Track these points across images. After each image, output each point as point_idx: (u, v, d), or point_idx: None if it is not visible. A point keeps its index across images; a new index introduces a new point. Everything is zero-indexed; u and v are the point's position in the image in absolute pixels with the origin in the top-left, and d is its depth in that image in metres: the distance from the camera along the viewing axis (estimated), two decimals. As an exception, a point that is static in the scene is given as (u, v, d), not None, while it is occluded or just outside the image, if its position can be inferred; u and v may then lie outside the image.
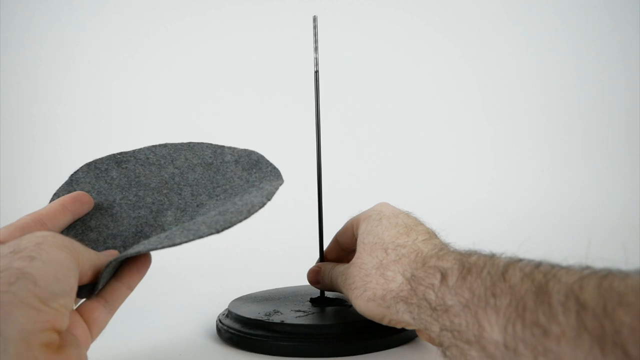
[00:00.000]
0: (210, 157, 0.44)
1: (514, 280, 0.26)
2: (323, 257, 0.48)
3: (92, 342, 0.33)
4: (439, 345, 0.31)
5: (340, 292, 0.42)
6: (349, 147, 1.05)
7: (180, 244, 0.31)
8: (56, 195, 0.41)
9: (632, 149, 1.08)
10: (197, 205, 0.41)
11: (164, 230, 0.39)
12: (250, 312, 0.44)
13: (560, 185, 1.05)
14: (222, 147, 0.44)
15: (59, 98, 1.05)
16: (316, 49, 0.47)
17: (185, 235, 0.32)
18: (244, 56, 1.08)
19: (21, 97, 1.04)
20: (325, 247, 0.48)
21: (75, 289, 0.30)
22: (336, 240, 0.47)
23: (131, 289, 0.36)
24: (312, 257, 0.49)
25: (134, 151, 0.43)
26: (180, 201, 0.41)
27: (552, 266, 0.26)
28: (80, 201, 0.40)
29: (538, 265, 0.27)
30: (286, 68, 1.02)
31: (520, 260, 0.28)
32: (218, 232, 0.32)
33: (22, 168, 1.01)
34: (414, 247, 0.37)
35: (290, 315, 0.43)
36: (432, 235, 0.39)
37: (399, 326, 0.38)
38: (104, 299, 0.34)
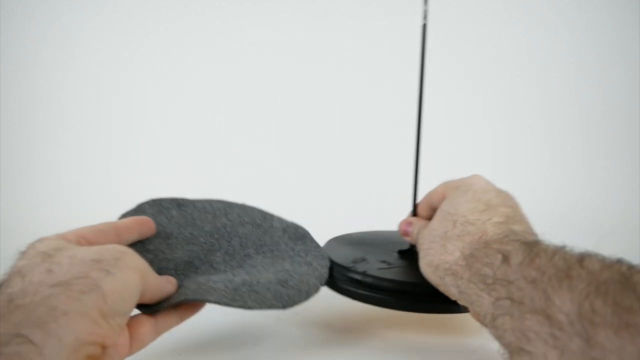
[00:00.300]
0: (260, 219, 0.49)
1: (592, 267, 0.27)
2: (416, 212, 0.49)
3: (128, 356, 0.34)
4: (484, 318, 0.32)
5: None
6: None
7: (251, 309, 0.36)
8: (123, 216, 0.45)
9: (632, 149, 1.08)
10: (245, 255, 0.46)
11: (212, 267, 0.44)
12: (340, 256, 0.47)
13: (560, 185, 1.05)
14: (272, 215, 0.50)
15: (59, 98, 1.05)
16: (426, 0, 0.45)
17: (257, 301, 0.37)
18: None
19: (21, 97, 1.04)
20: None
21: (132, 310, 0.32)
22: (427, 199, 0.48)
23: (182, 321, 0.38)
24: (408, 209, 0.50)
25: (193, 200, 0.49)
26: (229, 247, 0.46)
27: (633, 264, 0.27)
28: (147, 225, 0.43)
29: (618, 260, 0.28)
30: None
31: (596, 253, 0.29)
32: (284, 308, 0.38)
33: (22, 168, 1.01)
34: (482, 228, 0.37)
35: (374, 266, 0.45)
36: (510, 219, 0.38)
37: (450, 297, 0.39)
38: (155, 319, 0.36)
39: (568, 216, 0.95)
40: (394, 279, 0.43)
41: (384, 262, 0.46)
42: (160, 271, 0.40)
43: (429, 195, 0.47)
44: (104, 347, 0.29)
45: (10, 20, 1.02)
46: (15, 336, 0.25)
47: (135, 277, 0.32)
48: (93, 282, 0.29)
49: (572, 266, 0.28)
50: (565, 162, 1.09)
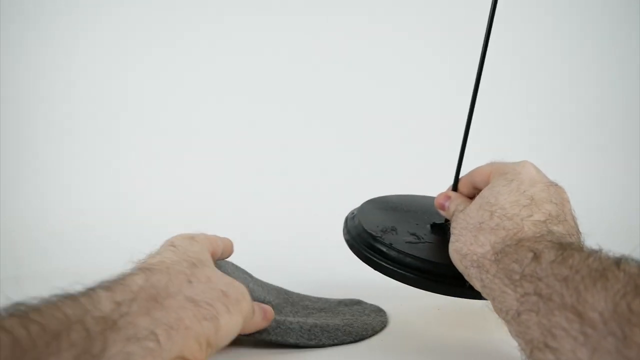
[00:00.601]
0: (314, 298, 0.54)
1: (630, 270, 0.27)
2: (457, 186, 0.47)
3: None
4: (507, 313, 0.31)
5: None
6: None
7: (325, 346, 0.42)
8: None
9: (632, 149, 1.07)
10: (303, 307, 0.51)
11: (281, 312, 0.48)
12: (371, 222, 0.46)
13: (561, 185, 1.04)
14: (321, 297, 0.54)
15: (58, 99, 1.04)
16: None
17: (330, 338, 0.43)
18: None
19: (21, 98, 1.03)
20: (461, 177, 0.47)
21: None
22: (471, 176, 0.46)
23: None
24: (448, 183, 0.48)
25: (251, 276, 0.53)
26: (294, 308, 0.50)
27: None
28: (229, 250, 0.47)
29: None
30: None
31: (632, 258, 0.28)
32: (355, 341, 0.43)
33: (22, 168, 1.00)
34: (519, 224, 0.36)
35: (402, 239, 0.44)
36: (552, 218, 0.36)
37: (474, 286, 0.38)
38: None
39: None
40: (418, 256, 0.42)
41: (413, 234, 0.45)
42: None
43: (473, 173, 0.45)
44: None
45: (11, 21, 1.02)
46: (151, 333, 0.28)
47: (241, 322, 0.35)
48: (215, 313, 0.33)
49: (608, 267, 0.27)
50: (565, 162, 1.07)
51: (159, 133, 1.03)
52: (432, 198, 0.50)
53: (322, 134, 1.02)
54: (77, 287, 0.29)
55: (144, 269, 0.34)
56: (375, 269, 0.43)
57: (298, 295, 0.53)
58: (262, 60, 1.05)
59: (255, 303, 0.40)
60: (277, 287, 0.53)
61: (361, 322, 0.47)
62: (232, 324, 0.34)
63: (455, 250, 0.39)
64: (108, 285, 0.30)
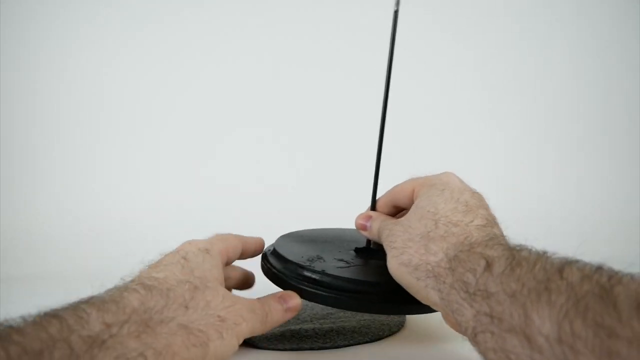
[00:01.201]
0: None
1: (572, 279, 0.26)
2: (375, 206, 0.46)
3: None
4: (465, 330, 0.30)
5: (382, 244, 0.41)
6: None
7: (340, 347, 0.44)
8: None
9: (632, 149, 1.08)
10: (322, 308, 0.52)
11: (299, 319, 0.49)
12: (294, 253, 0.45)
13: (559, 185, 1.05)
14: None
15: (59, 99, 1.04)
16: None
17: (345, 340, 0.45)
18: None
19: (20, 98, 1.02)
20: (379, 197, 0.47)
21: None
22: (391, 195, 0.45)
23: None
24: (364, 205, 0.48)
25: None
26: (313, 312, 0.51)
27: (615, 271, 0.25)
28: (252, 250, 0.47)
29: (599, 268, 0.26)
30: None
31: (577, 261, 0.27)
32: (371, 341, 0.45)
33: (22, 169, 1.00)
34: (466, 230, 0.36)
35: (332, 265, 0.43)
36: (490, 222, 0.37)
37: (422, 301, 0.37)
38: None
39: (567, 217, 0.95)
40: (355, 278, 0.41)
41: (341, 260, 0.45)
42: None
43: (393, 192, 0.45)
44: None
45: (11, 21, 1.01)
46: (140, 355, 0.29)
47: (237, 344, 0.36)
48: (206, 339, 0.33)
49: (551, 277, 0.26)
50: (563, 162, 1.09)
51: (160, 134, 1.03)
52: (344, 229, 0.52)
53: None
54: (68, 302, 0.30)
55: (144, 285, 0.34)
56: (309, 299, 0.41)
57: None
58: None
59: (271, 296, 0.40)
60: None
61: (379, 322, 0.48)
62: (223, 349, 0.34)
63: (402, 264, 0.37)
64: (101, 303, 0.31)
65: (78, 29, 1.02)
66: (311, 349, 0.43)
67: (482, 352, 0.29)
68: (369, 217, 0.45)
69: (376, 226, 0.43)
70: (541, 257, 0.29)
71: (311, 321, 0.48)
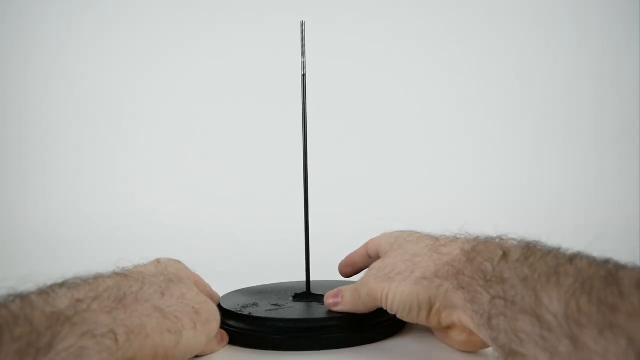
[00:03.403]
0: None
1: (581, 265, 0.27)
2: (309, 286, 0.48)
3: None
4: (481, 317, 0.31)
5: (369, 298, 0.40)
6: (336, 152, 1.05)
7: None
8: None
9: (632, 148, 1.08)
10: None
11: None
12: (231, 303, 0.46)
13: (558, 185, 1.06)
14: None
15: (57, 100, 1.05)
16: (303, 53, 0.48)
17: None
18: (231, 59, 1.08)
19: (22, 100, 1.03)
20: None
21: None
22: (365, 248, 0.48)
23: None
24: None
25: None
26: None
27: (621, 263, 0.27)
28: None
29: (607, 259, 0.28)
30: (273, 71, 1.02)
31: (588, 254, 0.29)
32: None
33: (21, 169, 1.00)
34: (471, 235, 0.38)
35: (262, 309, 0.44)
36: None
37: (437, 318, 0.36)
38: None
39: (567, 215, 0.95)
40: (280, 317, 0.42)
41: (275, 304, 0.45)
42: None
43: (367, 246, 0.48)
44: None
45: (13, 21, 1.01)
46: (110, 331, 0.29)
47: (204, 342, 0.36)
48: (181, 327, 0.33)
49: (561, 264, 0.28)
50: (564, 161, 1.09)
51: (159, 135, 1.04)
52: (297, 282, 0.52)
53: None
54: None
55: (120, 274, 0.34)
56: (240, 345, 0.42)
57: None
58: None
59: None
60: None
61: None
62: (194, 341, 0.35)
63: (418, 280, 0.37)
64: (74, 284, 0.31)
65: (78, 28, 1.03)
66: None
67: (494, 337, 0.30)
68: (338, 291, 0.43)
69: (349, 292, 0.42)
70: (555, 249, 0.31)
71: None
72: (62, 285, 0.30)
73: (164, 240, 0.87)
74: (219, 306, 0.46)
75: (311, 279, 0.49)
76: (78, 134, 1.05)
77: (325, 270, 0.54)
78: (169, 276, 0.37)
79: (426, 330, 0.45)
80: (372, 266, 0.42)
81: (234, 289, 0.50)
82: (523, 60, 1.13)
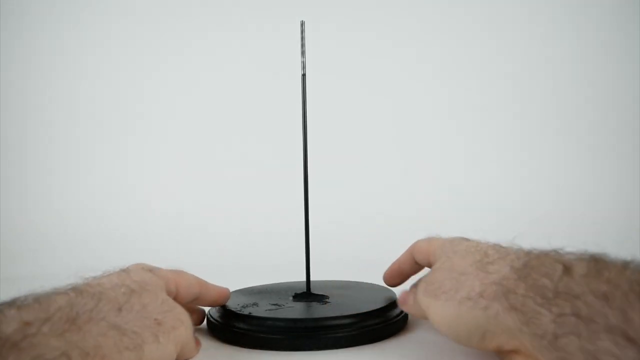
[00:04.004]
0: None
1: None
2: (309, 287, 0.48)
3: None
4: (543, 336, 0.29)
5: (422, 308, 0.39)
6: (337, 151, 1.05)
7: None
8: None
9: (632, 148, 1.08)
10: None
11: None
12: (231, 303, 0.45)
13: (556, 185, 1.05)
14: None
15: (57, 100, 1.05)
16: (303, 52, 0.48)
17: None
18: (231, 59, 1.08)
19: (20, 99, 1.03)
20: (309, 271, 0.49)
21: None
22: (411, 253, 0.46)
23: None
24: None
25: None
26: None
27: None
28: (225, 297, 0.46)
29: None
30: (273, 71, 1.02)
31: None
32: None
33: (20, 170, 1.00)
34: (521, 249, 0.35)
35: (262, 309, 0.44)
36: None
37: (493, 342, 0.33)
38: None
39: (564, 215, 0.95)
40: (279, 317, 0.42)
41: (275, 304, 0.45)
42: None
43: (413, 250, 0.46)
44: None
45: (13, 21, 1.02)
46: (62, 354, 0.27)
47: (174, 351, 0.35)
48: (140, 342, 0.32)
49: None
50: (563, 161, 1.08)
51: (159, 135, 1.04)
52: (297, 282, 0.52)
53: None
54: None
55: (74, 289, 0.32)
56: (240, 345, 0.42)
57: None
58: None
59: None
60: None
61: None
62: (160, 353, 0.33)
63: (462, 300, 0.34)
64: (22, 304, 0.29)
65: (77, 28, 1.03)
66: None
67: (561, 357, 0.28)
68: (407, 292, 0.42)
69: (412, 297, 0.41)
70: (629, 263, 0.28)
71: None
72: (11, 304, 0.29)
73: (164, 240, 0.88)
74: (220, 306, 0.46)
75: (311, 278, 0.49)
76: (78, 134, 1.05)
77: (326, 270, 0.54)
78: (132, 286, 0.35)
79: (427, 330, 0.45)
80: (422, 278, 0.40)
81: (234, 289, 0.50)
82: (523, 60, 1.13)
